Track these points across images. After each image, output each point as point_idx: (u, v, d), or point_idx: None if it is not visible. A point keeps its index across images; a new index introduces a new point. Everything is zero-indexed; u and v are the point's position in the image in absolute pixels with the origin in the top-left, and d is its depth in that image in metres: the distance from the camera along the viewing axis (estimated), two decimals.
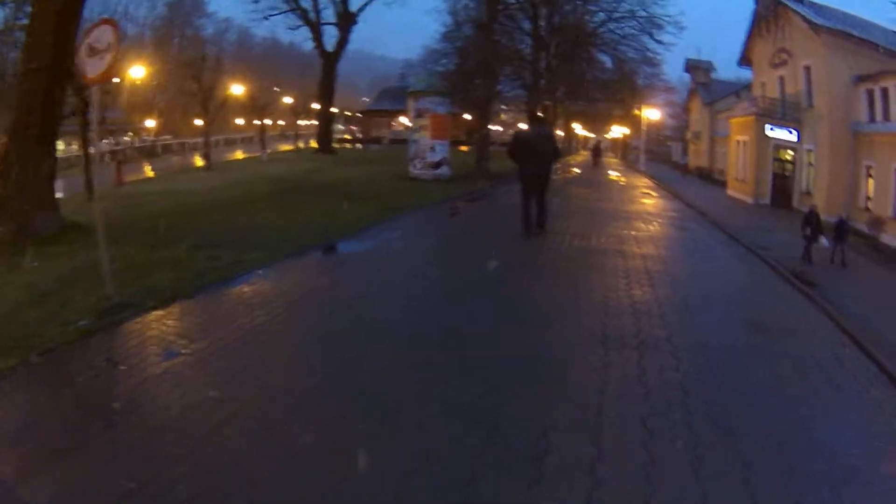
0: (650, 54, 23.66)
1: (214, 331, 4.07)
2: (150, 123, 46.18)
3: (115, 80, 32.80)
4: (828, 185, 20.06)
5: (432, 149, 17.04)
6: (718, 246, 9.98)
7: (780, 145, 23.28)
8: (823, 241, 12.74)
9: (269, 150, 36.41)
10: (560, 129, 40.70)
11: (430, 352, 3.93)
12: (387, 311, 4.81)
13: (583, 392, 3.39)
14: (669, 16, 22.53)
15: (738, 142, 25.93)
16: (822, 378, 4.04)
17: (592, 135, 56.87)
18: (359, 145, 45.11)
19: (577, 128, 52.40)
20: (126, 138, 40.76)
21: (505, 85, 23.30)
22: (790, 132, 22.70)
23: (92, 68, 4.84)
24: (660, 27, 22.70)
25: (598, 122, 46.47)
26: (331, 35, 36.47)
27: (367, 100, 55.12)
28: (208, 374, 3.41)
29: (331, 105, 38.35)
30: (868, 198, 19.10)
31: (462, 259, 7.32)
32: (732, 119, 26.87)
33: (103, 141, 36.01)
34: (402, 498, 2.39)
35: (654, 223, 11.57)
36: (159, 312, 4.41)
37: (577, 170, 29.63)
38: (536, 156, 8.13)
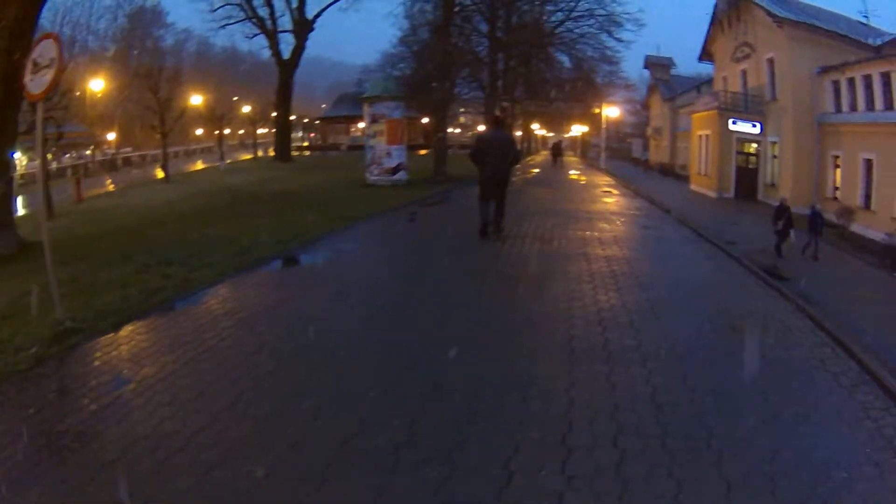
0: (609, 52, 23.78)
1: (165, 353, 4.04)
2: (112, 136, 44.84)
3: (76, 93, 31.78)
4: (793, 176, 20.21)
5: (389, 154, 16.69)
6: (684, 243, 9.67)
7: (744, 138, 23.40)
8: (793, 235, 12.58)
9: (227, 160, 36.36)
10: (519, 130, 40.61)
11: (385, 374, 3.71)
12: (340, 328, 4.67)
13: (549, 412, 3.20)
14: (629, 13, 22.69)
15: (700, 136, 25.99)
16: (803, 381, 3.83)
17: (552, 134, 56.57)
18: (317, 152, 44.69)
19: (536, 128, 52.36)
20: (87, 152, 39.97)
21: (462, 87, 23.07)
22: (753, 125, 22.84)
23: (35, 85, 4.76)
24: (619, 25, 22.79)
25: (557, 121, 46.48)
26: (288, 43, 36.00)
27: (326, 106, 54.74)
28: (158, 402, 3.30)
29: (288, 113, 37.81)
30: (836, 187, 19.24)
31: (418, 269, 7.18)
32: (694, 114, 26.97)
33: (65, 155, 34.85)
34: None
35: (618, 222, 11.27)
36: (109, 336, 4.36)
37: (536, 170, 29.57)
38: (496, 158, 8.18)
